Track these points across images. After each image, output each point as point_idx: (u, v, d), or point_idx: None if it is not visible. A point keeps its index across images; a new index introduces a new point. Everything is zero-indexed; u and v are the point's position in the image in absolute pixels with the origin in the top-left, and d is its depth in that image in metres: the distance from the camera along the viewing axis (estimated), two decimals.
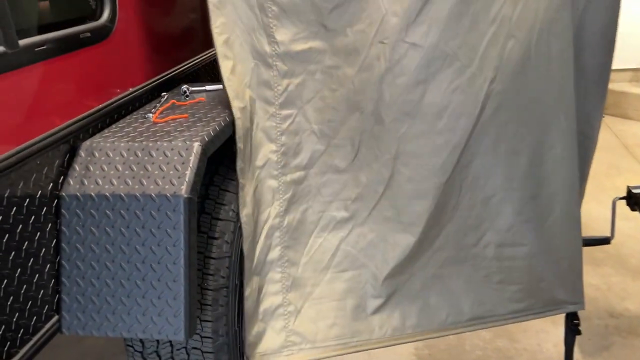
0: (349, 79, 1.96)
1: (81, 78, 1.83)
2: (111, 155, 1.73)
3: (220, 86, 2.24)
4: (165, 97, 2.22)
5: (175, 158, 1.68)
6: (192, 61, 2.59)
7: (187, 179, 1.64)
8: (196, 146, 1.70)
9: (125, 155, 1.71)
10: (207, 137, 1.77)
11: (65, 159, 1.73)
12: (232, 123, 1.95)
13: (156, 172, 1.66)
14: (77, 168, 1.72)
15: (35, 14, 1.74)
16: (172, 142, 1.72)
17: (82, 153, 1.75)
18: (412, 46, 1.85)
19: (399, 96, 1.91)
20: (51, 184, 1.64)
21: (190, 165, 1.66)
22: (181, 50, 2.53)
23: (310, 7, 1.89)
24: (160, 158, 1.69)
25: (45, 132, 1.62)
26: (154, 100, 2.22)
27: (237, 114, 1.93)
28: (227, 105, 1.99)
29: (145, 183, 1.65)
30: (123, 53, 2.06)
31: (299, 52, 1.95)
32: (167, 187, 1.63)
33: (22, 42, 1.50)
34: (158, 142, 1.73)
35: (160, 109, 2.02)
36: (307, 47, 1.95)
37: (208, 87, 2.30)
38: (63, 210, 1.65)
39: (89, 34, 1.85)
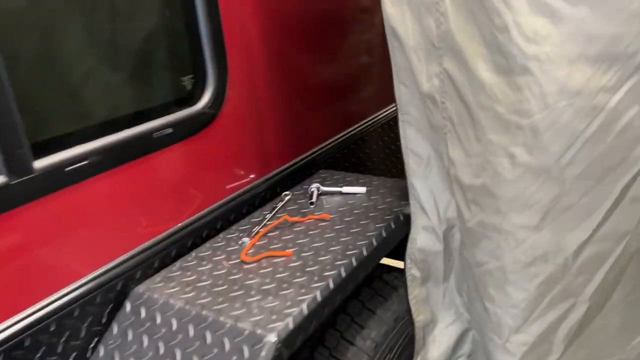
0: None
1: (155, 190, 1.32)
2: (157, 319, 1.19)
3: (360, 189, 1.63)
4: (286, 199, 1.64)
5: (234, 357, 1.07)
6: (332, 142, 1.96)
7: None
8: (269, 344, 1.07)
9: (172, 326, 1.16)
10: (296, 320, 1.12)
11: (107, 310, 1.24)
12: (351, 276, 1.30)
13: None
14: (114, 332, 1.21)
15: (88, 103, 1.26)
16: (238, 324, 1.11)
17: (127, 305, 1.25)
18: None
19: None
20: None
21: None
22: (319, 130, 1.93)
23: None
24: (215, 350, 1.09)
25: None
26: (272, 201, 1.65)
27: None
28: (358, 235, 1.34)
29: None
30: (227, 146, 1.52)
31: None
32: None
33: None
34: (220, 318, 1.13)
35: (263, 231, 1.44)
36: None
37: (345, 190, 1.66)
38: None
39: (173, 128, 1.33)
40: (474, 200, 1.30)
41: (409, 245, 1.49)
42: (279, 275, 1.27)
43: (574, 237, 1.23)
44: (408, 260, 1.50)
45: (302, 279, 1.25)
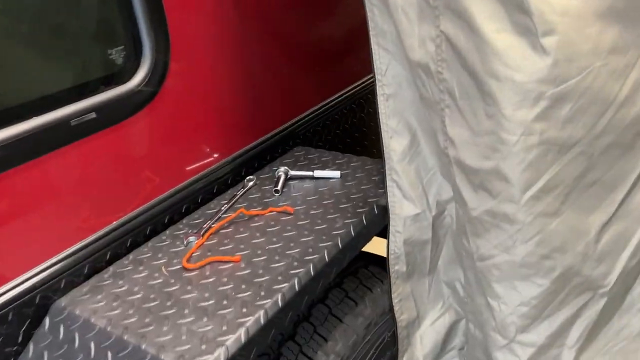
0: None
1: (80, 186, 1.13)
2: (75, 341, 1.01)
3: (334, 174, 1.43)
4: (250, 185, 1.43)
5: None
6: (308, 115, 1.72)
7: None
8: None
9: (90, 351, 0.98)
10: (230, 349, 0.93)
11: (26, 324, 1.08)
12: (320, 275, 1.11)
13: None
14: (29, 354, 1.05)
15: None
16: (161, 356, 0.93)
17: (46, 322, 1.08)
18: None
19: None
20: None
21: None
22: (292, 101, 1.68)
23: None
24: None
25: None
26: (234, 187, 1.45)
27: None
28: (322, 233, 1.14)
29: None
30: (173, 128, 1.30)
31: None
32: None
33: None
34: (142, 346, 0.95)
35: (215, 227, 1.24)
36: None
37: (317, 174, 1.44)
38: None
39: (98, 113, 1.12)
40: (482, 186, 1.10)
41: (392, 239, 1.29)
42: (221, 288, 1.08)
43: (596, 218, 1.10)
44: (392, 257, 1.30)
45: (247, 293, 1.05)
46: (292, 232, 1.23)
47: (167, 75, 1.24)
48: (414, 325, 1.41)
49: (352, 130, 1.89)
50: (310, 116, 1.70)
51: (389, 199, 1.29)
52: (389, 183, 1.28)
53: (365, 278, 1.42)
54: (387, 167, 1.28)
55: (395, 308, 1.35)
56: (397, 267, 1.32)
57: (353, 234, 1.23)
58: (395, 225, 1.31)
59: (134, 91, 1.18)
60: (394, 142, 1.26)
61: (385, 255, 1.44)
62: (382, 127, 1.25)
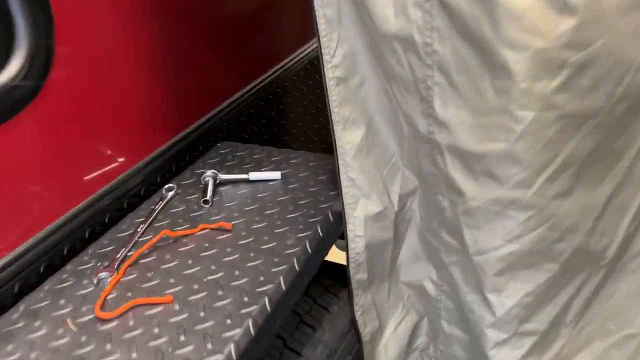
0: None
1: None
2: None
3: (273, 175, 1.22)
4: (169, 195, 1.16)
5: None
6: (233, 102, 1.46)
7: None
8: None
9: None
10: None
11: None
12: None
13: None
14: None
15: None
16: None
17: None
18: None
19: None
20: None
21: None
22: (213, 87, 1.40)
23: None
24: None
25: None
26: (149, 200, 1.17)
27: None
28: (273, 254, 0.91)
29: None
30: (63, 132, 1.00)
31: None
32: None
33: None
34: None
35: (133, 256, 0.97)
36: None
37: (253, 177, 1.20)
38: None
39: None
40: (487, 173, 0.93)
41: (351, 246, 1.09)
42: (153, 344, 0.82)
43: (603, 190, 1.00)
44: (352, 265, 1.11)
45: (188, 348, 0.80)
46: (235, 256, 0.98)
47: (53, 64, 0.94)
48: (377, 336, 1.23)
49: (280, 118, 1.65)
50: (232, 105, 1.44)
51: (345, 201, 1.08)
52: (344, 183, 1.07)
53: (319, 295, 1.20)
54: (340, 163, 1.06)
55: (359, 322, 1.16)
56: (358, 276, 1.13)
57: (310, 250, 1.00)
58: (355, 229, 1.11)
59: (7, 88, 0.87)
60: (348, 133, 1.05)
61: (331, 261, 1.25)
62: (332, 116, 1.03)
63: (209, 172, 1.19)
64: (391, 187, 1.12)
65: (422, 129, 0.98)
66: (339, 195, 1.08)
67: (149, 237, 1.04)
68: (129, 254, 1.00)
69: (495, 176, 0.91)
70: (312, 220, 1.06)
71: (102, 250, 1.03)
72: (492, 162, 0.90)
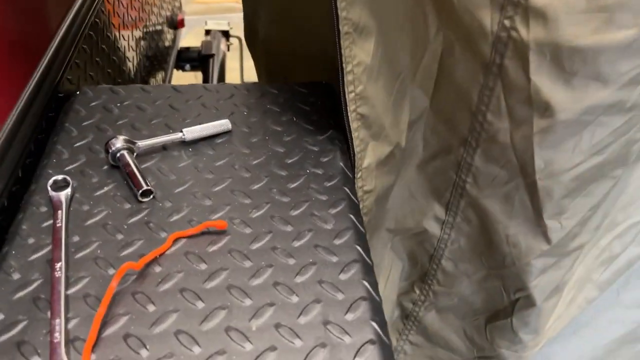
0: None
1: None
2: None
3: (222, 126, 0.80)
4: (65, 198, 0.65)
5: None
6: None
7: None
8: None
9: None
10: None
11: None
12: None
13: None
14: None
15: None
16: None
17: None
18: None
19: None
20: None
21: None
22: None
23: None
24: None
25: None
26: (23, 212, 0.64)
27: None
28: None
29: None
30: None
31: None
32: None
33: None
34: None
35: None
36: None
37: (189, 134, 0.75)
38: None
39: None
40: (594, 73, 0.70)
41: (361, 206, 0.79)
42: None
43: None
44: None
45: None
46: (265, 274, 0.59)
47: None
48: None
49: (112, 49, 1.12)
50: (66, 40, 0.89)
51: (356, 148, 0.75)
52: (354, 124, 0.74)
53: None
54: (349, 97, 0.72)
55: None
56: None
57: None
58: (365, 184, 0.80)
59: None
60: (359, 49, 0.71)
61: None
62: (340, 24, 0.68)
63: (118, 141, 0.70)
64: (400, 114, 0.82)
65: (487, 25, 0.70)
66: (337, 140, 0.74)
67: (79, 287, 0.56)
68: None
69: (603, 76, 0.69)
70: (334, 183, 0.71)
71: None
72: (605, 58, 0.67)
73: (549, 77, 0.72)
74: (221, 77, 1.96)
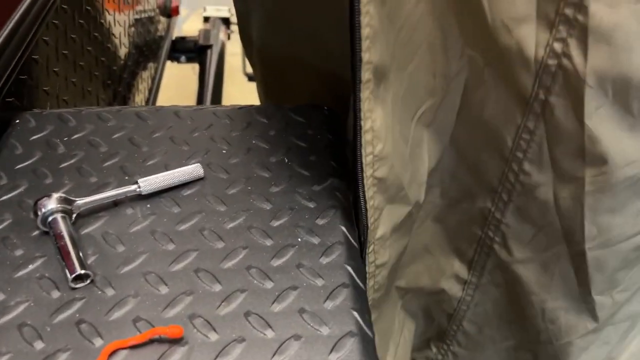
0: None
1: None
2: None
3: (191, 172, 0.62)
4: None
5: None
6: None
7: None
8: None
9: None
10: None
11: None
12: None
13: None
14: None
15: None
16: None
17: None
18: None
19: None
20: None
21: None
22: None
23: None
24: None
25: None
26: None
27: None
28: None
29: None
30: None
31: None
32: None
33: None
34: None
35: None
36: None
37: (145, 186, 0.59)
38: None
39: None
40: None
41: (370, 284, 0.65)
42: None
43: None
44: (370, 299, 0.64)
45: None
46: None
47: None
48: None
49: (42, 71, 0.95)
50: None
51: (369, 219, 0.59)
52: (369, 192, 0.57)
53: None
54: (366, 159, 0.55)
55: None
56: (374, 315, 0.67)
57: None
58: (377, 257, 0.64)
59: None
60: (380, 100, 0.54)
61: None
62: (362, 70, 0.50)
63: (51, 201, 0.53)
64: (419, 165, 0.65)
65: (530, 48, 0.52)
66: (338, 192, 0.58)
67: None
68: None
69: None
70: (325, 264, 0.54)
71: None
72: None
73: (610, 121, 0.53)
74: (219, 70, 1.78)
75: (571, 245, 0.64)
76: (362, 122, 0.52)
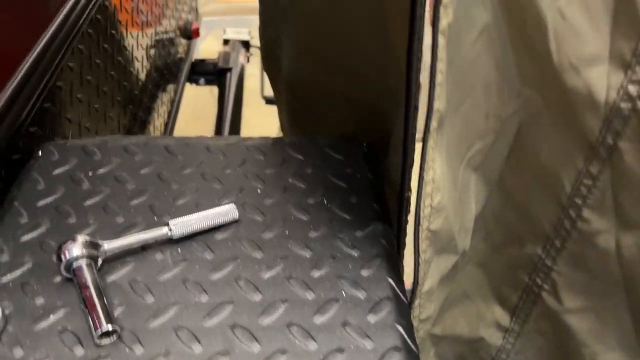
0: None
1: None
2: None
3: (225, 214, 0.56)
4: None
5: None
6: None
7: None
8: None
9: None
10: None
11: None
12: None
13: None
14: None
15: None
16: None
17: None
18: None
19: None
20: None
21: None
22: None
23: None
24: None
25: None
26: None
27: None
28: None
29: None
30: None
31: None
32: None
33: None
34: None
35: None
36: None
37: (176, 228, 0.55)
38: None
39: None
40: None
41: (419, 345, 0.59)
42: None
43: None
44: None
45: None
46: None
47: None
48: None
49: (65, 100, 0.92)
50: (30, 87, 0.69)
51: (419, 273, 0.55)
52: (423, 244, 0.53)
53: None
54: (424, 211, 0.51)
55: None
56: None
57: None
58: (422, 311, 0.60)
59: None
60: (440, 148, 0.51)
61: None
62: (432, 119, 0.47)
63: (76, 246, 0.49)
64: (466, 212, 0.61)
65: (600, 91, 0.48)
66: (382, 238, 0.53)
67: None
68: None
69: None
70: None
71: None
72: None
73: None
74: (238, 93, 1.75)
75: (631, 294, 0.60)
76: (425, 174, 0.48)
